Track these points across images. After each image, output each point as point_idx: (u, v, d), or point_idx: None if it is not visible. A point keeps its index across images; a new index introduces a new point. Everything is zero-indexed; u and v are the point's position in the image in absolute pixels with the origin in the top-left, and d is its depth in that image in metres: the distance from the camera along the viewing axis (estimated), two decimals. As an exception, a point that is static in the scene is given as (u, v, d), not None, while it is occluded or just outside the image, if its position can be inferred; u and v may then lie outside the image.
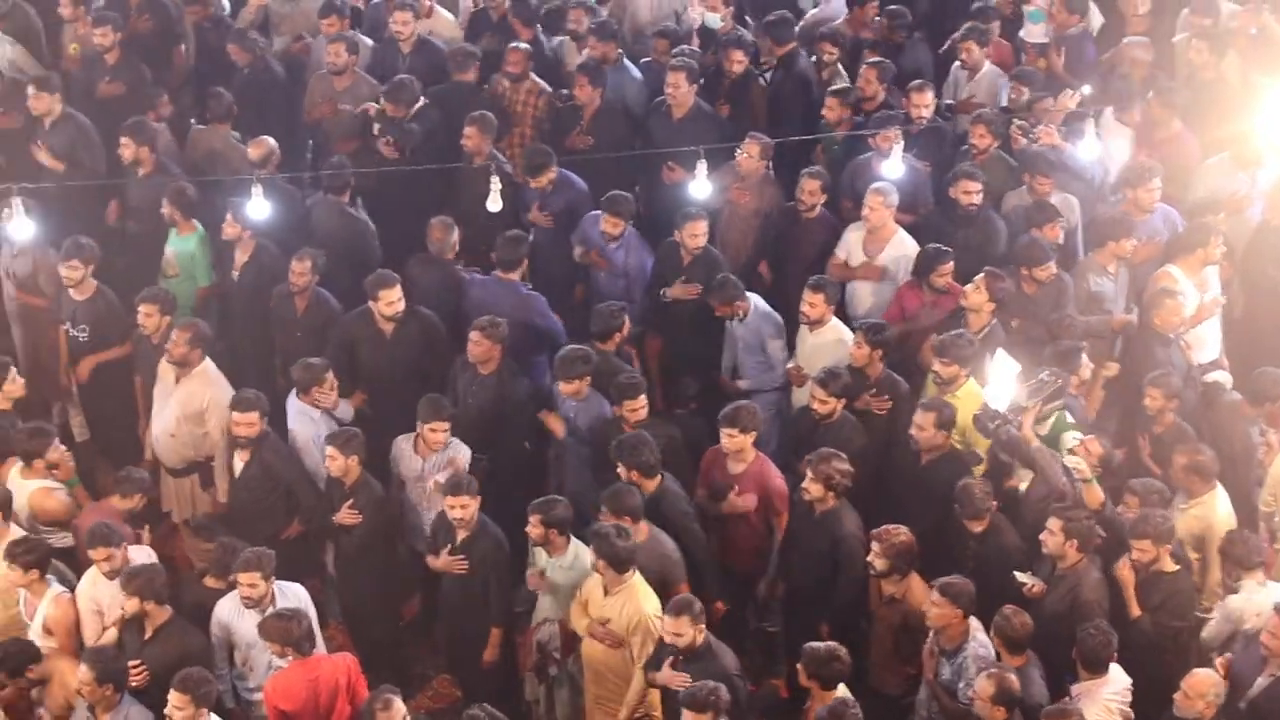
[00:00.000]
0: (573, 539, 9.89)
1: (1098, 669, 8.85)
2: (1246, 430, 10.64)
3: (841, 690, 8.78)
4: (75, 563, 10.17)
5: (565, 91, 13.73)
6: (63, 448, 10.54)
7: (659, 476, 10.08)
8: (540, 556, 9.98)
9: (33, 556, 9.56)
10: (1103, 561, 9.45)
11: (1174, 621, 9.31)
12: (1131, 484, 9.85)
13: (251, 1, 14.83)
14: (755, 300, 11.48)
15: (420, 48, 14.06)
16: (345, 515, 10.20)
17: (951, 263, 11.31)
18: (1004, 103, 13.37)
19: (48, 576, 9.68)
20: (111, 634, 9.48)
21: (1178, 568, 9.38)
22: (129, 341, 11.65)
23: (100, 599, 9.61)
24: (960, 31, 13.84)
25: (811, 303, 11.15)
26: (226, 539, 10.06)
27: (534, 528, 9.77)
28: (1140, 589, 9.28)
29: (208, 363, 11.06)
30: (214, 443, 10.99)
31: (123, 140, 12.48)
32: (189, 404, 10.99)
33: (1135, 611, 9.21)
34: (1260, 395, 10.59)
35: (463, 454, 10.54)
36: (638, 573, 9.47)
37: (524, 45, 13.79)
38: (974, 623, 9.08)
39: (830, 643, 8.91)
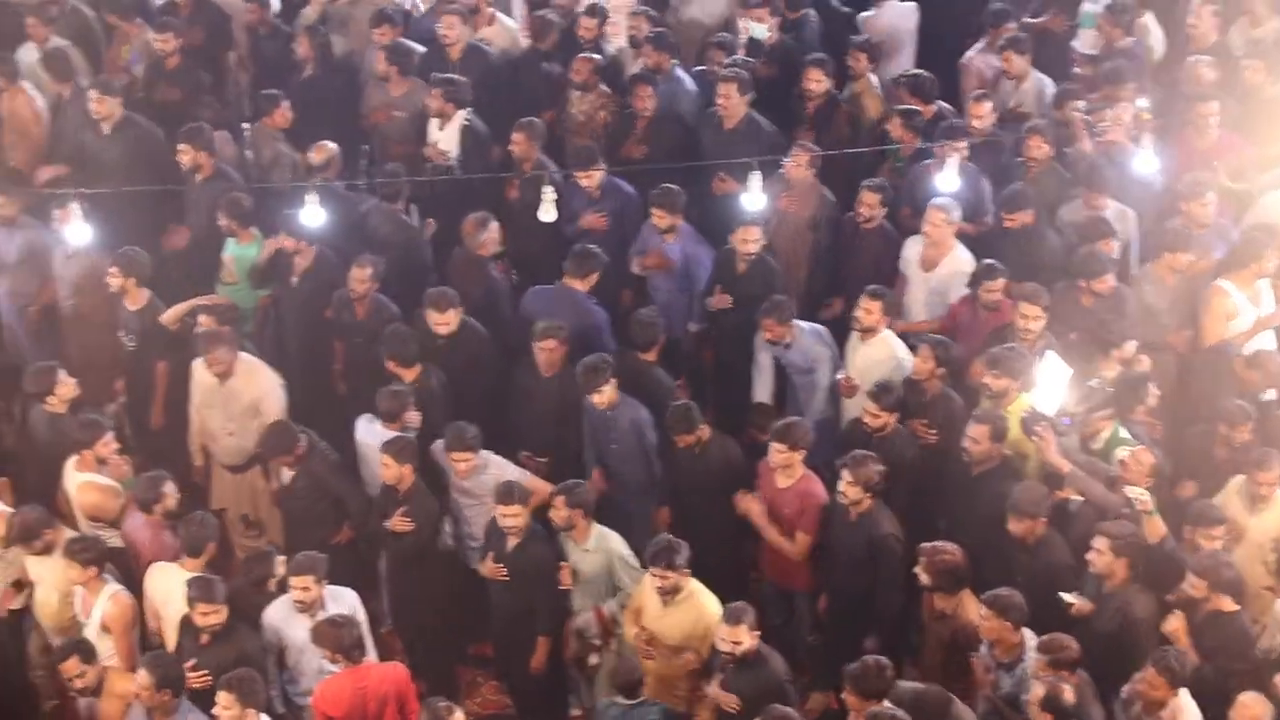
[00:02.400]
0: (594, 523, 9.98)
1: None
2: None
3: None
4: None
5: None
6: (115, 445, 10.62)
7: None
8: (570, 549, 10.05)
9: (91, 554, 9.66)
10: (1162, 596, 9.35)
11: (1235, 664, 9.08)
12: (1206, 513, 9.62)
13: (312, 2, 14.89)
14: (798, 323, 11.43)
15: (469, 54, 14.03)
16: (398, 522, 10.21)
17: (1002, 279, 11.23)
18: (1052, 113, 13.28)
19: (104, 575, 9.77)
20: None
21: (1236, 608, 9.17)
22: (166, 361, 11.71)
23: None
24: (1001, 40, 13.73)
25: (868, 309, 11.05)
26: (201, 514, 10.18)
27: (558, 510, 9.86)
28: (1196, 631, 9.10)
29: (244, 356, 11.16)
30: None
31: (181, 146, 12.55)
32: (240, 399, 11.09)
33: (1193, 658, 8.98)
34: None
35: (506, 471, 10.49)
36: (696, 581, 9.55)
37: (593, 55, 13.80)
38: (1028, 634, 9.02)
39: (878, 657, 8.89)
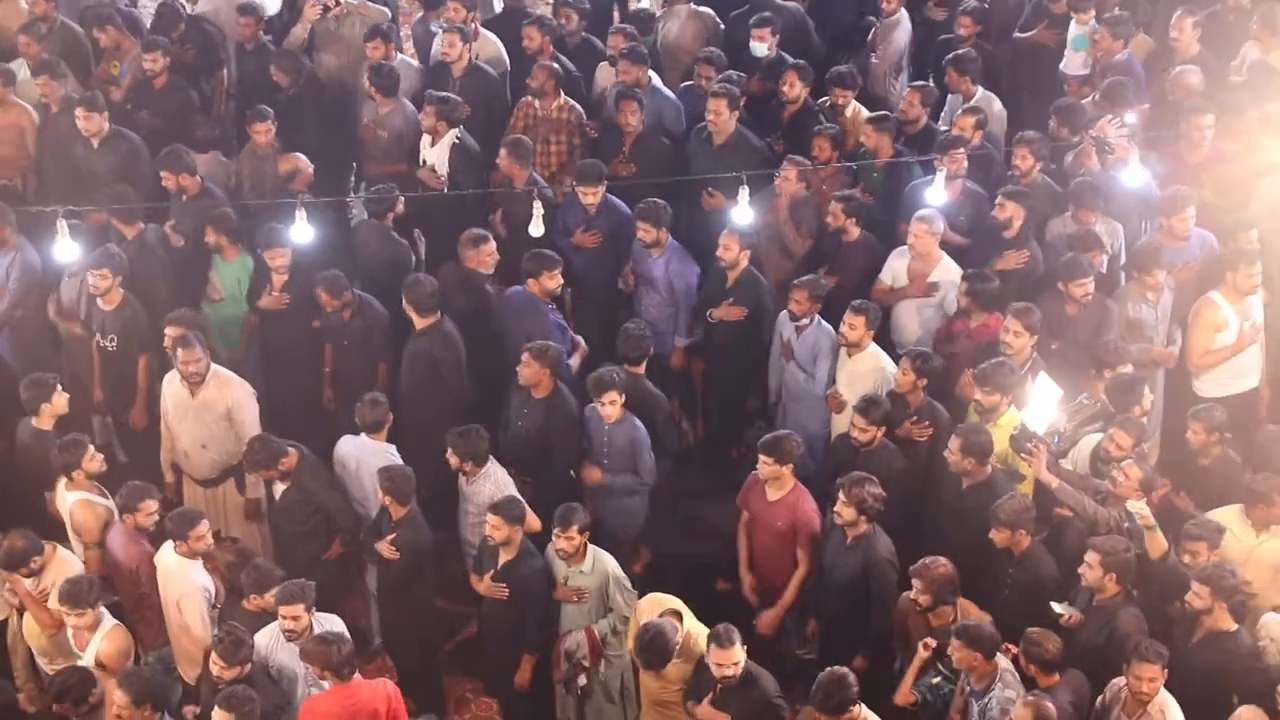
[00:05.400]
0: (589, 544, 9.99)
1: None
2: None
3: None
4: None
5: (599, 119, 13.75)
6: (100, 457, 10.56)
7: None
8: (560, 568, 10.04)
9: (94, 595, 9.57)
10: (1165, 609, 9.38)
11: (1233, 685, 9.01)
12: (1190, 529, 9.59)
13: (301, 21, 14.89)
14: (821, 319, 11.51)
15: (471, 73, 14.00)
16: (385, 548, 10.20)
17: (971, 284, 11.27)
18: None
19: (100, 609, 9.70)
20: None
21: (1236, 627, 9.13)
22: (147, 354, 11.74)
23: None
24: (947, 58, 13.74)
25: (852, 324, 11.08)
26: (256, 560, 10.16)
27: (564, 535, 9.84)
28: (1198, 650, 9.10)
29: (216, 367, 11.14)
30: (244, 441, 10.96)
31: (162, 174, 12.59)
32: (212, 410, 11.07)
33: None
34: None
35: (504, 490, 10.48)
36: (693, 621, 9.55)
37: (549, 63, 13.76)
38: (1003, 663, 9.00)
39: (839, 670, 8.81)
